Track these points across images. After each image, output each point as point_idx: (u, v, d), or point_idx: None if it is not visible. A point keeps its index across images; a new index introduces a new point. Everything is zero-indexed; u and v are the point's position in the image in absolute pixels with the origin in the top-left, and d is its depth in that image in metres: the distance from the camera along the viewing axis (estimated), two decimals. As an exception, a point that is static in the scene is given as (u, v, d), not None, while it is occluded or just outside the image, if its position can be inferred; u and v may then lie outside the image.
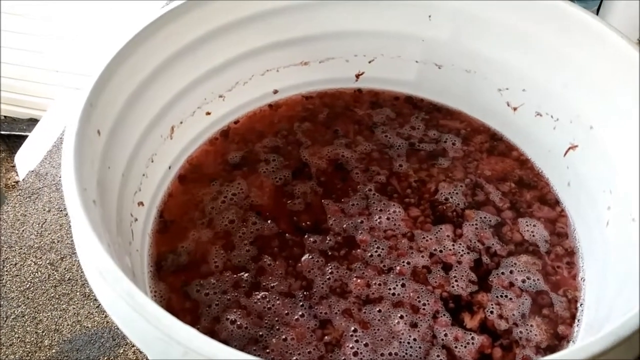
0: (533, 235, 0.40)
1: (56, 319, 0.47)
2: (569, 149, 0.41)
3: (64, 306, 0.45)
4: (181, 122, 0.42)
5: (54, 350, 0.46)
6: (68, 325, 0.48)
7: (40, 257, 0.48)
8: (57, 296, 0.46)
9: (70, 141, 0.27)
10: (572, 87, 0.39)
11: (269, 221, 0.40)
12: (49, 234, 0.49)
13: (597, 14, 0.57)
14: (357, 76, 0.50)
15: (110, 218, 0.30)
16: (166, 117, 0.40)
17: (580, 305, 0.37)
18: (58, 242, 0.49)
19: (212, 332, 0.35)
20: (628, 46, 0.34)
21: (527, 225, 0.41)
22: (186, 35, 0.38)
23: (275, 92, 0.48)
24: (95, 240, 0.24)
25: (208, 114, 0.45)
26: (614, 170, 0.36)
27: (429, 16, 0.44)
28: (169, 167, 0.42)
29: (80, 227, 0.25)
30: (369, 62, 0.48)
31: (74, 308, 0.45)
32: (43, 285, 0.49)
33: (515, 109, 0.44)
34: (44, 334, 0.46)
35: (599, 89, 0.36)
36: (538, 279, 0.38)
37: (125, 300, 0.23)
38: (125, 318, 0.24)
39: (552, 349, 0.35)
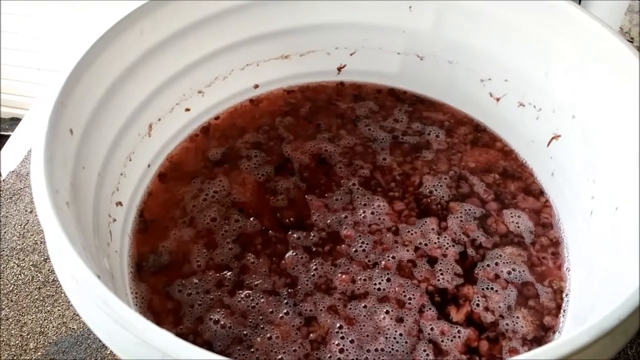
0: (518, 227, 0.40)
1: (41, 321, 0.46)
2: (552, 138, 0.40)
3: (48, 308, 0.44)
4: (159, 120, 0.41)
5: (39, 353, 0.45)
6: (53, 327, 0.47)
7: (23, 259, 0.47)
8: (41, 298, 0.45)
9: (40, 142, 0.26)
10: (554, 76, 0.38)
11: (251, 218, 0.40)
12: (31, 235, 0.48)
13: (579, 2, 0.57)
14: (339, 69, 0.49)
15: (85, 220, 0.29)
16: (143, 115, 0.39)
17: (566, 295, 0.37)
18: (41, 243, 0.48)
19: (195, 333, 0.34)
20: (609, 35, 0.34)
21: (511, 217, 0.41)
22: (162, 30, 0.37)
23: (256, 86, 0.48)
24: (67, 244, 0.24)
25: (187, 110, 0.44)
26: (597, 160, 0.36)
27: (410, 7, 0.43)
28: (148, 166, 0.41)
29: (52, 232, 0.24)
30: (351, 54, 0.48)
31: (59, 310, 0.44)
32: (27, 288, 0.48)
33: (498, 99, 0.44)
34: (29, 336, 0.46)
35: (580, 78, 0.36)
36: (523, 270, 0.38)
37: (99, 306, 0.22)
38: (100, 324, 0.23)
39: (538, 340, 0.35)
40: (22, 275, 0.46)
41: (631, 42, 0.52)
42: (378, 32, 0.46)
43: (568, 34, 0.37)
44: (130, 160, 0.38)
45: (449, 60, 0.45)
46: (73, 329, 0.44)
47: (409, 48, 0.46)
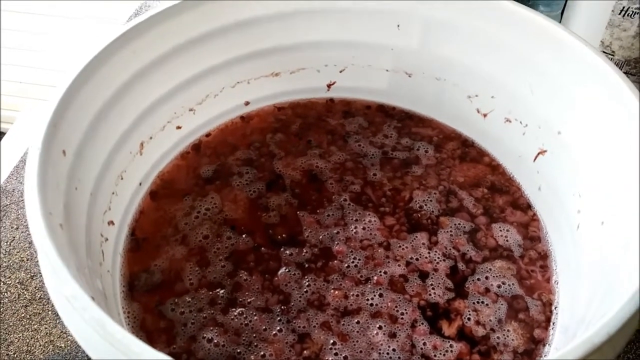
0: (507, 240, 0.41)
1: (28, 340, 0.46)
2: (539, 154, 0.41)
3: (35, 326, 0.44)
4: (151, 138, 0.41)
5: (26, 372, 0.45)
6: (40, 345, 0.46)
7: (9, 277, 0.46)
8: (27, 316, 0.44)
9: (33, 164, 0.26)
10: (538, 92, 0.39)
11: (244, 235, 0.40)
12: (17, 252, 0.48)
13: (562, 16, 0.58)
14: (329, 86, 0.50)
15: (78, 241, 0.29)
16: (135, 133, 0.39)
17: (555, 308, 0.37)
18: (27, 260, 0.47)
19: (188, 352, 0.34)
20: (589, 52, 0.35)
21: (500, 230, 0.41)
22: (154, 50, 0.38)
23: (247, 103, 0.48)
24: (61, 266, 0.24)
25: (179, 128, 0.44)
26: (582, 174, 0.37)
27: (398, 25, 0.44)
28: (140, 184, 0.41)
29: (46, 254, 0.24)
30: (340, 71, 0.48)
31: (46, 328, 0.44)
32: (13, 306, 0.47)
33: (485, 115, 0.45)
34: (15, 356, 0.45)
35: (563, 94, 0.37)
36: (513, 284, 0.38)
37: (94, 329, 0.22)
38: (96, 346, 0.23)
39: (529, 353, 0.35)
40: (8, 293, 0.45)
41: (612, 55, 0.53)
42: (367, 49, 0.46)
43: (547, 50, 0.38)
44: (122, 179, 0.38)
45: (436, 77, 0.46)
46: (60, 347, 0.43)
47: (397, 65, 0.47)
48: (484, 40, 0.41)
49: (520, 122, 0.42)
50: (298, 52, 0.46)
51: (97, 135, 0.34)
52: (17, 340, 0.44)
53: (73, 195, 0.30)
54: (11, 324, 0.44)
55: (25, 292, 0.45)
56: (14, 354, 0.44)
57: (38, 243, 0.24)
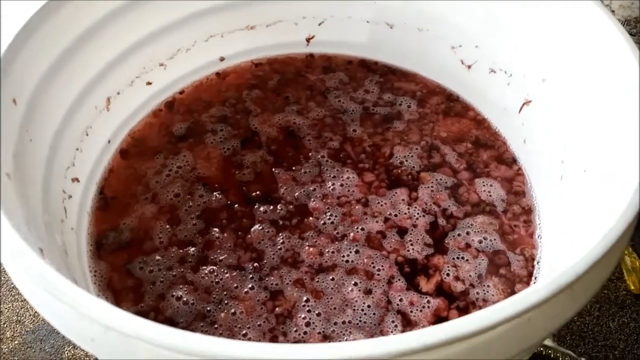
0: (490, 195, 0.39)
1: (17, 310, 0.45)
2: (524, 104, 0.39)
3: (24, 296, 0.43)
4: (118, 93, 0.39)
5: (16, 342, 0.45)
6: (30, 315, 0.46)
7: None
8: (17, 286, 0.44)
9: (-26, 110, 0.25)
10: (523, 40, 0.37)
11: (216, 193, 0.39)
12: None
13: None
14: (308, 40, 0.47)
15: (31, 194, 0.28)
16: (100, 87, 0.37)
17: (537, 262, 0.36)
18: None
19: (156, 310, 0.33)
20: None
21: (483, 185, 0.40)
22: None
23: (222, 59, 0.46)
24: (4, 217, 0.22)
25: (149, 84, 0.42)
26: (567, 124, 0.35)
27: (377, -28, 0.42)
28: (109, 141, 0.40)
29: (-14, 202, 0.22)
30: (319, 24, 0.46)
31: (31, 297, 0.43)
32: (2, 276, 0.47)
33: (469, 66, 0.43)
34: (5, 325, 0.45)
35: (550, 40, 0.35)
36: (495, 239, 0.37)
37: (37, 281, 0.21)
38: (41, 300, 0.22)
39: (509, 308, 0.34)
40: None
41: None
42: (345, 0, 0.44)
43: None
44: (87, 135, 0.37)
45: (418, 27, 0.44)
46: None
47: (378, 16, 0.45)
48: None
49: (505, 72, 0.40)
50: (273, 4, 0.44)
51: (54, 85, 0.32)
52: (6, 310, 0.43)
53: (26, 146, 0.29)
54: (1, 294, 0.43)
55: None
56: (4, 323, 0.43)
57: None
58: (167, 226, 0.37)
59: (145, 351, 0.19)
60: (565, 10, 0.34)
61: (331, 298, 0.34)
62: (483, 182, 0.40)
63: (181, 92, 0.45)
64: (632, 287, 0.56)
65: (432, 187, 0.39)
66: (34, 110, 0.30)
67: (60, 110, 0.33)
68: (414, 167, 0.41)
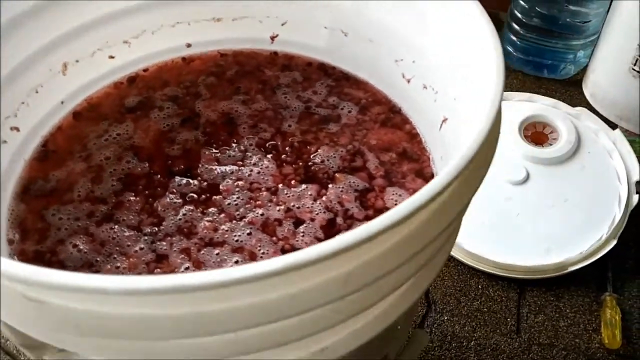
0: (395, 204, 0.40)
1: None
2: (443, 122, 0.40)
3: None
4: (77, 61, 0.44)
5: None
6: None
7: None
8: None
9: None
10: (439, 56, 0.38)
11: (143, 162, 0.42)
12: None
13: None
14: (272, 38, 0.50)
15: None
16: (55, 53, 0.42)
17: (420, 274, 0.37)
18: None
19: (52, 252, 0.36)
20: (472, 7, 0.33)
21: (393, 194, 0.41)
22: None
23: (189, 45, 0.50)
24: None
25: (111, 57, 0.46)
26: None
27: (329, -21, 0.44)
28: (62, 102, 0.44)
29: None
30: (282, 24, 0.49)
31: None
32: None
33: (409, 80, 0.44)
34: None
35: (454, 61, 0.36)
36: (386, 245, 0.38)
37: None
38: None
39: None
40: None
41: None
42: (305, 2, 0.47)
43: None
44: (37, 92, 0.41)
45: (369, 38, 0.46)
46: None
47: (334, 23, 0.47)
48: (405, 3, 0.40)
49: (432, 89, 0.41)
50: (238, 2, 0.47)
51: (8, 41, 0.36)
52: None
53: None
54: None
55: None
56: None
57: None
58: (89, 183, 0.40)
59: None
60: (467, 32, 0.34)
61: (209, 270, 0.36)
62: (394, 191, 0.41)
63: (145, 70, 0.49)
64: (606, 341, 0.55)
65: (342, 188, 0.41)
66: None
67: (8, 63, 0.38)
68: (332, 167, 0.42)
